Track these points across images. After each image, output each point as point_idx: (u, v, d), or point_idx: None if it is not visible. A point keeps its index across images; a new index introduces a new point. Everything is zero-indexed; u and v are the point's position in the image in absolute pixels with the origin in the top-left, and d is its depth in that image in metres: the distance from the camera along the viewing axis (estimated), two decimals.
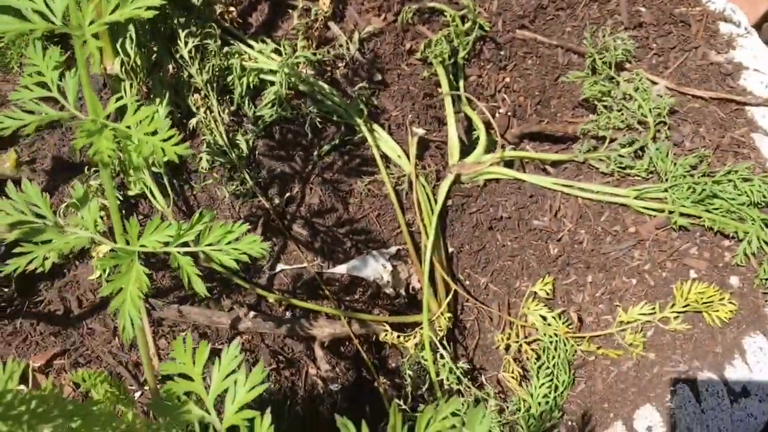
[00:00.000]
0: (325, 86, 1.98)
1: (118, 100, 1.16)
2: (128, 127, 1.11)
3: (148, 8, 1.12)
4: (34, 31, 1.09)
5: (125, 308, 1.15)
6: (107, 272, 1.85)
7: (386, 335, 1.90)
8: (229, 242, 1.25)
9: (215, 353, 1.28)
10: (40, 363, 1.85)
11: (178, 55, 1.87)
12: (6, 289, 1.92)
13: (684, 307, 1.85)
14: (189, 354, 1.16)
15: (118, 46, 1.80)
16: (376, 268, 1.96)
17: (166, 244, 1.21)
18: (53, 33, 1.16)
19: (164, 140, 1.10)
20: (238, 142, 1.92)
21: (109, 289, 1.16)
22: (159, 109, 1.82)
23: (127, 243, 1.20)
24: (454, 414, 1.04)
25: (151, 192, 1.86)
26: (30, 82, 1.21)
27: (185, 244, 1.23)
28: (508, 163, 2.09)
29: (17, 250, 1.24)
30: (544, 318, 1.93)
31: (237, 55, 1.94)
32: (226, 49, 1.94)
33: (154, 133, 1.10)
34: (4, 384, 1.02)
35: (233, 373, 1.14)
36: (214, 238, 1.24)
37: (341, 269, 1.95)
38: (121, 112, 1.38)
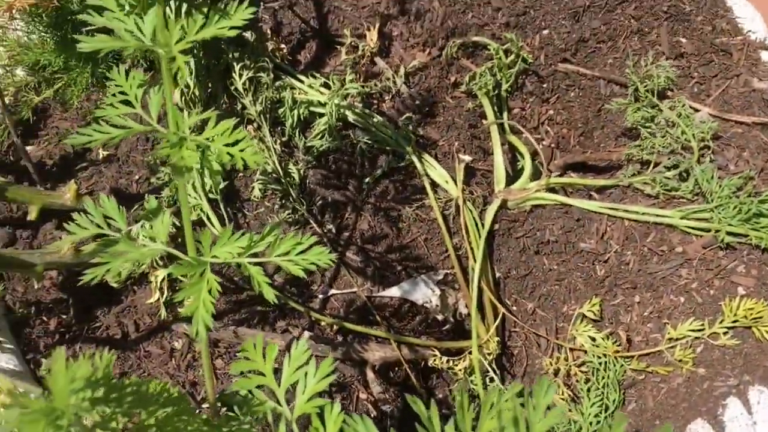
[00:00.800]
0: (375, 116, 2.07)
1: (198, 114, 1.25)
2: (209, 138, 1.19)
3: (231, 28, 1.22)
4: (126, 48, 1.20)
5: (199, 314, 1.22)
6: (165, 296, 1.93)
7: (435, 360, 1.94)
8: (299, 253, 1.32)
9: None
10: None
11: (233, 88, 1.98)
12: (65, 316, 2.00)
13: (733, 322, 1.90)
14: (260, 352, 1.24)
15: (178, 77, 1.90)
16: (425, 292, 2.02)
17: (237, 255, 1.29)
18: (142, 50, 1.27)
19: (242, 150, 1.19)
20: (290, 171, 2.01)
21: (182, 295, 1.23)
22: None
23: (199, 253, 1.28)
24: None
25: (208, 218, 1.95)
26: (114, 100, 1.30)
27: (255, 255, 1.30)
28: (553, 191, 2.15)
29: (95, 260, 1.32)
30: (593, 339, 1.98)
31: (288, 89, 2.05)
32: (278, 82, 2.04)
33: (233, 144, 1.19)
34: (103, 370, 1.09)
35: (303, 367, 1.23)
36: (284, 249, 1.32)
37: (392, 292, 2.01)
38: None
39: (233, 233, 1.31)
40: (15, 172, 2.18)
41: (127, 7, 1.24)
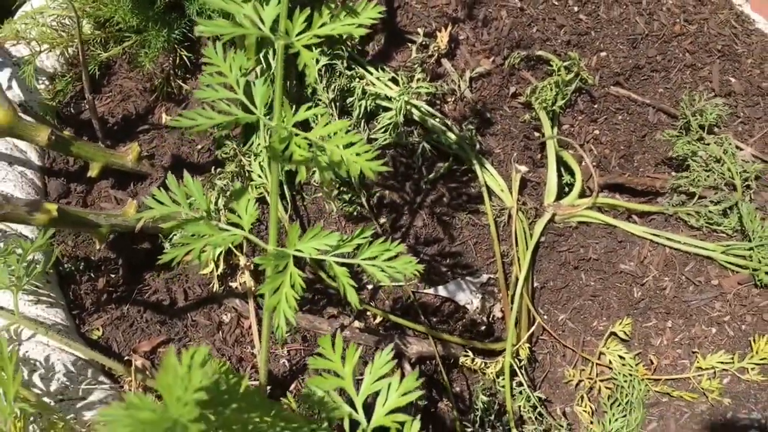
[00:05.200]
0: (439, 116, 2.01)
1: (308, 109, 1.16)
2: (321, 137, 1.12)
3: (359, 26, 1.13)
4: (248, 36, 1.09)
5: (281, 307, 1.13)
6: (220, 269, 1.86)
7: (466, 359, 1.91)
8: (386, 259, 1.24)
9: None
10: (145, 349, 1.84)
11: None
12: (113, 275, 1.92)
13: (761, 359, 1.86)
14: (338, 354, 1.13)
15: (261, 55, 1.83)
16: (468, 294, 1.98)
17: (324, 252, 1.21)
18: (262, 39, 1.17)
19: (357, 154, 1.11)
20: None
21: (266, 288, 1.14)
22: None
23: (281, 245, 1.20)
24: None
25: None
26: (213, 82, 1.19)
27: (342, 255, 1.21)
28: (598, 209, 2.12)
29: (175, 240, 1.24)
30: (622, 357, 1.95)
31: (358, 79, 1.97)
32: (349, 72, 1.96)
33: (347, 146, 1.10)
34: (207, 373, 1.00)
35: (383, 378, 1.12)
36: (372, 253, 1.24)
37: (438, 291, 1.96)
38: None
39: (322, 228, 1.24)
40: (74, 125, 2.05)
41: None
